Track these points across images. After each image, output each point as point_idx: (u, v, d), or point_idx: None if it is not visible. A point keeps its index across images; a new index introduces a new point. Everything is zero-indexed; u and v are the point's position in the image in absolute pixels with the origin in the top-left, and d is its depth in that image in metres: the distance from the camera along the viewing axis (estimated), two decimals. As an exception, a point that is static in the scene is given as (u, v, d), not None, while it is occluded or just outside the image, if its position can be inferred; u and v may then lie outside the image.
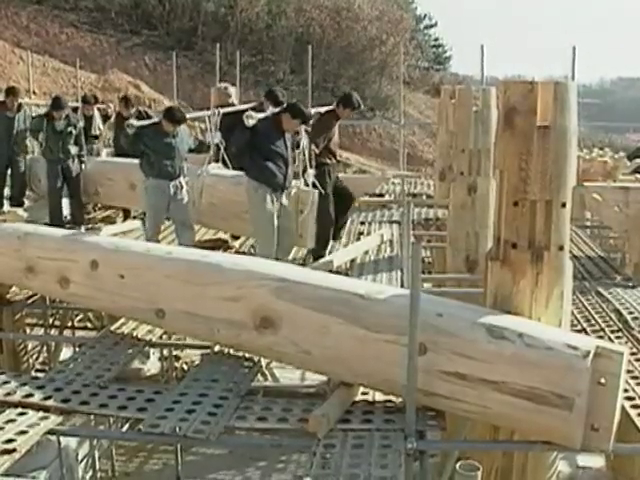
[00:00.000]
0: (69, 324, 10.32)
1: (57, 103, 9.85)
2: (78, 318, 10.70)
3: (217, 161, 8.70)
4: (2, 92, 10.85)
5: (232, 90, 10.96)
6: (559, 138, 4.36)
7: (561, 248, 4.50)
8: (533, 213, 4.41)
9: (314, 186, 8.07)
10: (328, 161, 8.53)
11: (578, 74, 10.72)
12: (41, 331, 9.68)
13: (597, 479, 8.21)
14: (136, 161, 8.31)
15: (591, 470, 8.31)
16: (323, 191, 8.20)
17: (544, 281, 4.53)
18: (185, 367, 10.20)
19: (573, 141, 4.44)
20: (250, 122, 7.35)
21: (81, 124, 10.09)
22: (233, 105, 10.00)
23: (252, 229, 7.76)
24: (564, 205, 4.44)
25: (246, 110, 9.34)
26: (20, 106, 10.41)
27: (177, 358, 9.75)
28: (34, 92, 18.75)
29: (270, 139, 7.43)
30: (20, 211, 9.32)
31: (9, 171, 10.62)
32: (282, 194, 7.56)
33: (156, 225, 8.17)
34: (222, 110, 8.71)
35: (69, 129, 9.76)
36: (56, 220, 9.54)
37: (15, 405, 4.83)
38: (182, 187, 8.12)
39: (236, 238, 9.63)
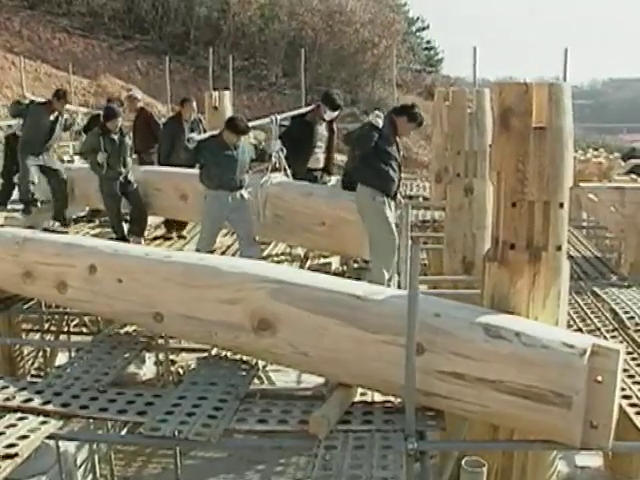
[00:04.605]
0: (65, 329, 10.30)
1: (111, 112, 9.05)
2: (74, 323, 10.69)
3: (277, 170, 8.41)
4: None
5: (228, 95, 10.98)
6: (555, 139, 4.40)
7: (559, 248, 4.53)
8: (531, 214, 4.44)
9: None
10: None
11: (569, 75, 10.74)
12: (37, 336, 9.66)
13: (595, 478, 8.24)
14: (186, 170, 8.07)
15: (589, 469, 8.35)
16: None
17: (541, 281, 4.56)
18: (181, 371, 10.22)
19: (569, 142, 4.48)
20: (380, 122, 6.98)
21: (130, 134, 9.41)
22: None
23: (373, 243, 7.17)
24: (562, 205, 4.48)
25: (303, 114, 9.20)
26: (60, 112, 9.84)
27: (173, 362, 9.75)
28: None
29: (390, 143, 7.06)
30: (18, 216, 9.29)
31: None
32: (393, 202, 7.19)
33: (211, 236, 7.78)
34: (279, 116, 8.50)
35: (124, 139, 9.03)
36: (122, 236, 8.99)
37: (15, 410, 4.82)
38: (243, 198, 7.73)
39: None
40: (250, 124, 8.93)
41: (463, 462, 3.80)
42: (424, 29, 44.39)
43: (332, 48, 35.15)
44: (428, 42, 44.96)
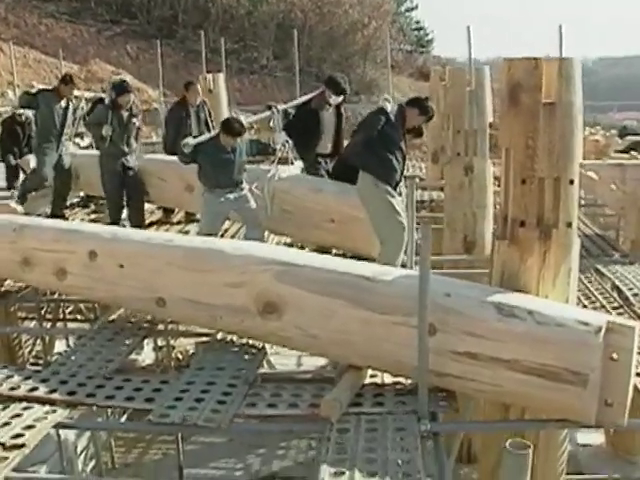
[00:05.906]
0: (61, 316, 10.22)
1: (124, 87, 8.81)
2: (69, 310, 10.61)
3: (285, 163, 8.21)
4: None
5: (222, 78, 10.81)
6: (565, 115, 4.34)
7: (569, 225, 4.49)
8: (541, 190, 4.37)
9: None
10: None
11: (563, 53, 10.72)
12: (33, 324, 9.58)
13: (597, 455, 8.26)
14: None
15: (591, 447, 8.37)
16: None
17: (552, 259, 4.51)
18: (180, 356, 10.17)
19: (579, 118, 4.42)
20: (389, 106, 6.77)
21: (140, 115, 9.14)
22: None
23: (379, 232, 6.97)
24: (572, 182, 4.43)
25: (307, 102, 9.00)
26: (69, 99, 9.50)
27: (172, 348, 9.70)
28: (18, 85, 18.47)
29: (398, 132, 6.85)
30: (13, 203, 9.15)
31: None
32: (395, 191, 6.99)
33: (210, 230, 7.58)
34: (281, 107, 8.32)
35: (133, 119, 8.79)
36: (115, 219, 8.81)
37: (20, 399, 4.74)
38: (242, 190, 7.66)
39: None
40: (252, 119, 8.77)
41: (507, 444, 3.74)
42: (413, 9, 44.37)
43: (322, 30, 35.04)
44: (417, 22, 44.96)
